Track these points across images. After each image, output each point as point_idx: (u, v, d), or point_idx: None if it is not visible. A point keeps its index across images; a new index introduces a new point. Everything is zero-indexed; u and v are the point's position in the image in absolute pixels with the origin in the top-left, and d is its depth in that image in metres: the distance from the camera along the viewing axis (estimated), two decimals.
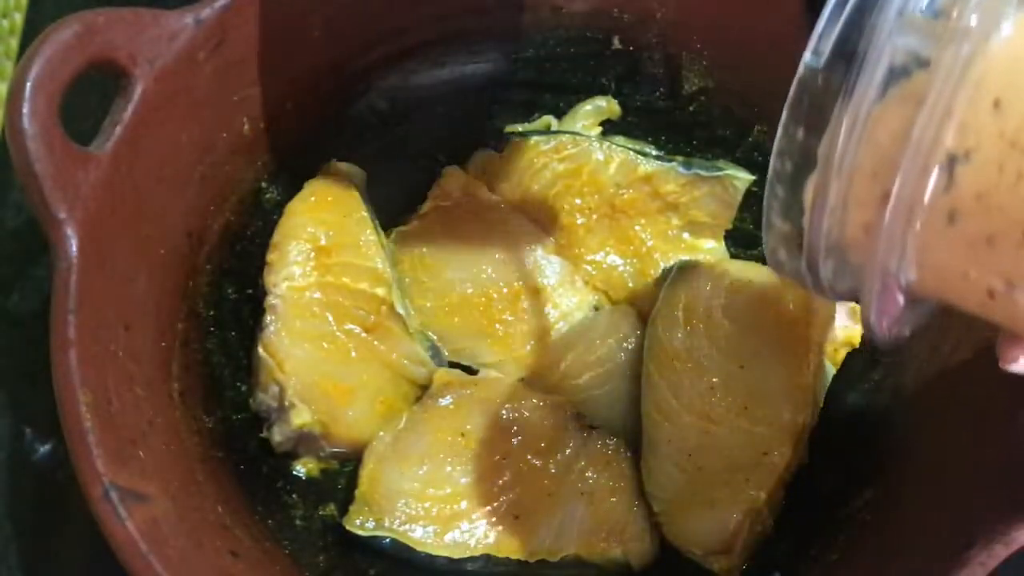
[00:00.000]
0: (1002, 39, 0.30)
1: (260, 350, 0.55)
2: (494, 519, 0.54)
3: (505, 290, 0.60)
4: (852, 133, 0.31)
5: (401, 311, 0.58)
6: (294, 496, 0.56)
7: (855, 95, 0.31)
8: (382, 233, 0.60)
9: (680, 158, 0.63)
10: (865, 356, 0.57)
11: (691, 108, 0.64)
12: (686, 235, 0.62)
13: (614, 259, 0.62)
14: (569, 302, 0.60)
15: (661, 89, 0.64)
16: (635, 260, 0.62)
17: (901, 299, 0.33)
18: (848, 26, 0.32)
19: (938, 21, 0.30)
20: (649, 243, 0.62)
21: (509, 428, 0.56)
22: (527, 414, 0.57)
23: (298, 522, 0.55)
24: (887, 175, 0.30)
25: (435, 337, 0.60)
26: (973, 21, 0.30)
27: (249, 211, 0.59)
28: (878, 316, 0.33)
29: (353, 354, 0.57)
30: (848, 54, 0.31)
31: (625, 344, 0.59)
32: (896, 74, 0.30)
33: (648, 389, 0.56)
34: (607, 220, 0.62)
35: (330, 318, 0.57)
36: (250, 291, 0.59)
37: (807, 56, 0.32)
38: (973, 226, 0.31)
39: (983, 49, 0.30)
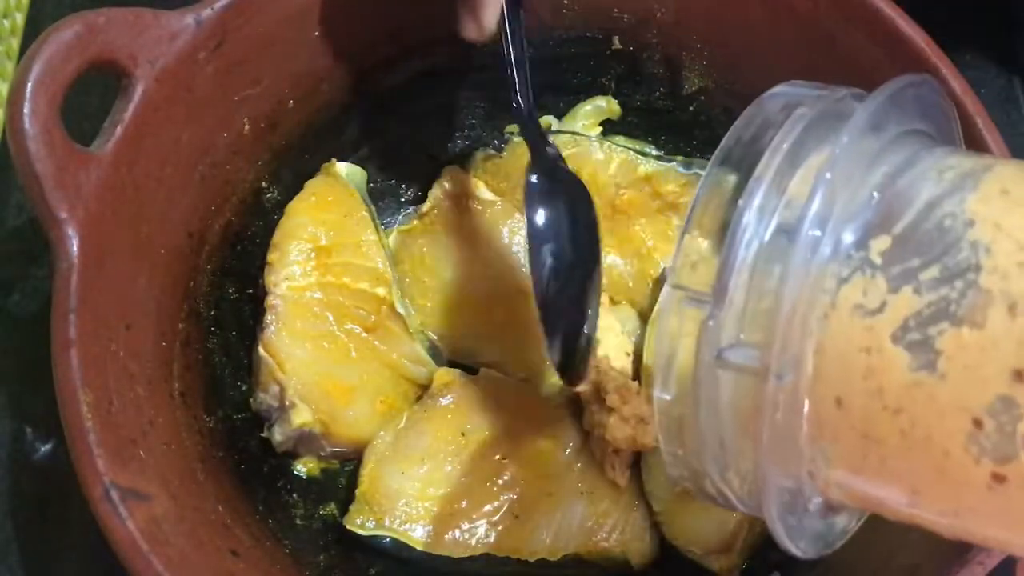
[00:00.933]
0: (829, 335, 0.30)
1: (261, 350, 0.55)
2: (494, 519, 0.54)
3: (505, 290, 0.60)
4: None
5: (401, 311, 0.58)
6: (294, 495, 0.56)
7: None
8: (382, 233, 0.61)
9: (680, 158, 0.63)
10: None
11: (691, 108, 0.64)
12: None
13: (614, 259, 0.62)
14: None
15: (661, 89, 0.64)
16: (635, 260, 0.62)
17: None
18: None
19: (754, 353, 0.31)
20: (649, 243, 0.62)
21: (509, 428, 0.56)
22: (527, 414, 0.57)
23: (298, 521, 0.55)
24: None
25: (435, 337, 0.60)
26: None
27: (250, 211, 0.59)
28: (786, 538, 0.33)
29: (353, 354, 0.57)
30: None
31: (626, 343, 0.59)
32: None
33: (648, 388, 0.56)
34: (607, 220, 0.62)
35: (330, 318, 0.57)
36: (251, 291, 0.59)
37: (657, 392, 0.33)
38: (858, 495, 0.32)
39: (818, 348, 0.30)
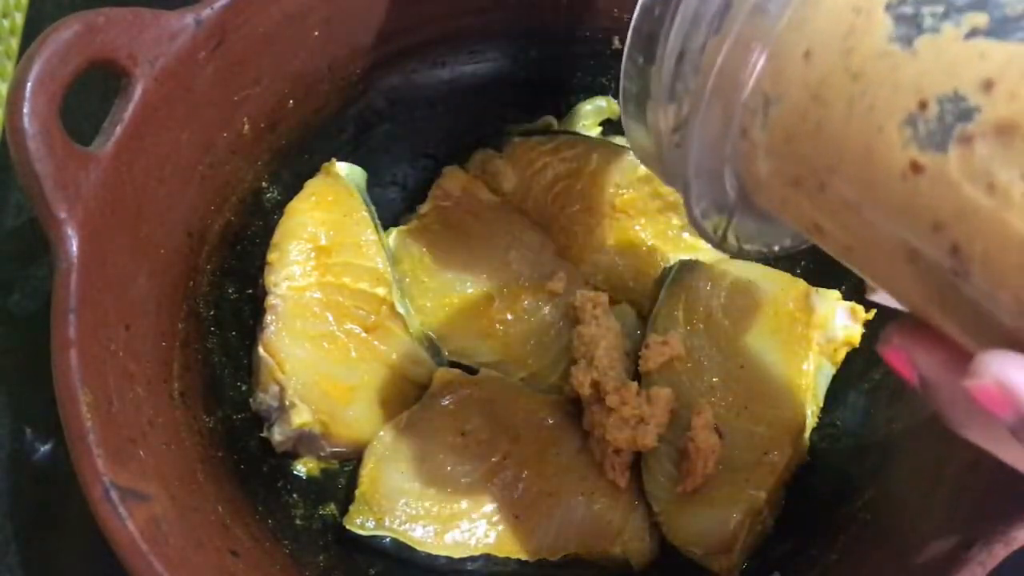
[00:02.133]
0: None
1: (260, 350, 0.55)
2: (494, 519, 0.54)
3: (505, 290, 0.60)
4: (688, 59, 0.34)
5: (401, 311, 0.58)
6: (294, 496, 0.56)
7: (698, 28, 0.34)
8: (382, 233, 0.61)
9: None
10: (866, 356, 0.57)
11: None
12: (686, 235, 0.62)
13: (614, 259, 0.62)
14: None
15: None
16: (635, 260, 0.62)
17: (731, 193, 0.36)
18: None
19: None
20: (649, 243, 0.62)
21: (509, 428, 0.56)
22: (527, 414, 0.57)
23: (298, 522, 0.55)
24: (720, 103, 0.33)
25: (435, 337, 0.60)
26: None
27: (249, 211, 0.59)
28: (688, 201, 0.35)
29: (353, 354, 0.57)
30: None
31: (625, 344, 0.59)
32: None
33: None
34: (607, 220, 0.62)
35: (330, 318, 0.57)
36: (250, 291, 0.59)
37: None
38: (784, 166, 0.33)
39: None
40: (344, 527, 0.54)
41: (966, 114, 0.28)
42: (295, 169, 0.61)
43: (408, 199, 0.66)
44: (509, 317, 0.60)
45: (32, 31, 0.69)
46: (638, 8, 0.36)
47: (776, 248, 0.40)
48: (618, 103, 0.38)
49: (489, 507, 0.54)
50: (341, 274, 0.58)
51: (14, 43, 0.69)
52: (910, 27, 0.29)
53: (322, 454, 0.57)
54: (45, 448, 0.58)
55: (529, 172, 0.63)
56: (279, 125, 0.58)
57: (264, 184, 0.60)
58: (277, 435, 0.55)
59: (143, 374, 0.48)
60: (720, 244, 0.39)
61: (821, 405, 0.57)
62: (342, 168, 0.61)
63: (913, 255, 0.30)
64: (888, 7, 0.30)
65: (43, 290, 0.61)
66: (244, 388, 0.57)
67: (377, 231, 0.60)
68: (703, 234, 0.38)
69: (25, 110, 0.43)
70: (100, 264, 0.45)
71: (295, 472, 0.57)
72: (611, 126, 0.65)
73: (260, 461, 0.56)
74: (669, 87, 0.35)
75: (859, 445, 0.55)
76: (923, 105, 0.29)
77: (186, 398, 0.52)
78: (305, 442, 0.56)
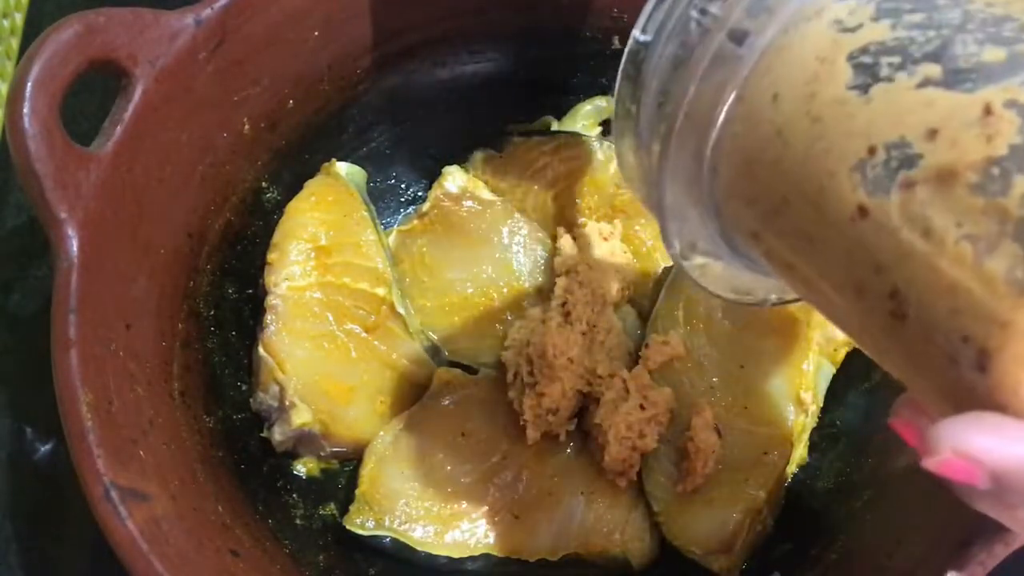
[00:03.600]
0: (794, 37, 0.33)
1: (261, 350, 0.55)
2: (494, 519, 0.54)
3: (505, 290, 0.60)
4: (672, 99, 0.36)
5: (401, 311, 0.58)
6: (294, 496, 0.56)
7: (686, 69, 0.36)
8: (382, 233, 0.61)
9: None
10: (865, 356, 0.57)
11: None
12: None
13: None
14: None
15: None
16: (635, 260, 0.62)
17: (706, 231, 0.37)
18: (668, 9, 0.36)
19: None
20: (649, 243, 0.62)
21: (509, 428, 0.56)
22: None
23: (298, 521, 0.55)
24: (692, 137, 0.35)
25: (435, 337, 0.60)
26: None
27: (249, 211, 0.59)
28: (665, 231, 0.37)
29: (353, 354, 0.57)
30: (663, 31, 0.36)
31: (625, 343, 0.59)
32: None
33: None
34: (607, 220, 0.62)
35: (330, 318, 0.57)
36: (250, 291, 0.59)
37: (636, 32, 0.37)
38: (743, 185, 0.34)
39: (783, 42, 0.33)
40: (344, 527, 0.54)
41: (910, 161, 0.29)
42: (295, 169, 0.61)
43: (408, 199, 0.66)
44: (509, 317, 0.60)
45: (32, 31, 0.69)
46: (625, 52, 0.38)
47: (748, 299, 0.42)
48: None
49: (489, 507, 0.54)
50: (341, 274, 0.58)
51: (14, 43, 0.69)
52: (867, 76, 0.31)
53: (322, 454, 0.57)
54: (45, 448, 0.58)
55: (529, 172, 0.63)
56: (279, 125, 0.58)
57: (264, 184, 0.60)
58: (277, 435, 0.55)
59: (143, 374, 0.48)
60: (696, 280, 0.40)
61: (821, 405, 0.57)
62: (342, 168, 0.61)
63: (860, 292, 0.31)
64: (850, 56, 0.31)
65: (43, 290, 0.62)
66: (244, 388, 0.57)
67: (377, 231, 0.60)
68: (681, 268, 0.39)
69: (25, 110, 0.43)
70: (100, 264, 0.45)
71: (295, 472, 0.57)
72: (611, 126, 0.65)
73: (260, 461, 0.56)
74: (650, 127, 0.38)
75: (859, 445, 0.55)
76: (872, 151, 0.30)
77: (186, 398, 0.52)
78: (305, 442, 0.56)
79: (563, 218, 0.62)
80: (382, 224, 0.62)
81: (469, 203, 0.62)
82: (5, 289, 0.62)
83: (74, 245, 0.44)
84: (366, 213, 0.60)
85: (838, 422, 0.57)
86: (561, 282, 0.57)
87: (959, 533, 0.42)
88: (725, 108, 0.34)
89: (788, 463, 0.54)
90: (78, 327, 0.43)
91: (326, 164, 0.61)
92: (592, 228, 0.61)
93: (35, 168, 0.43)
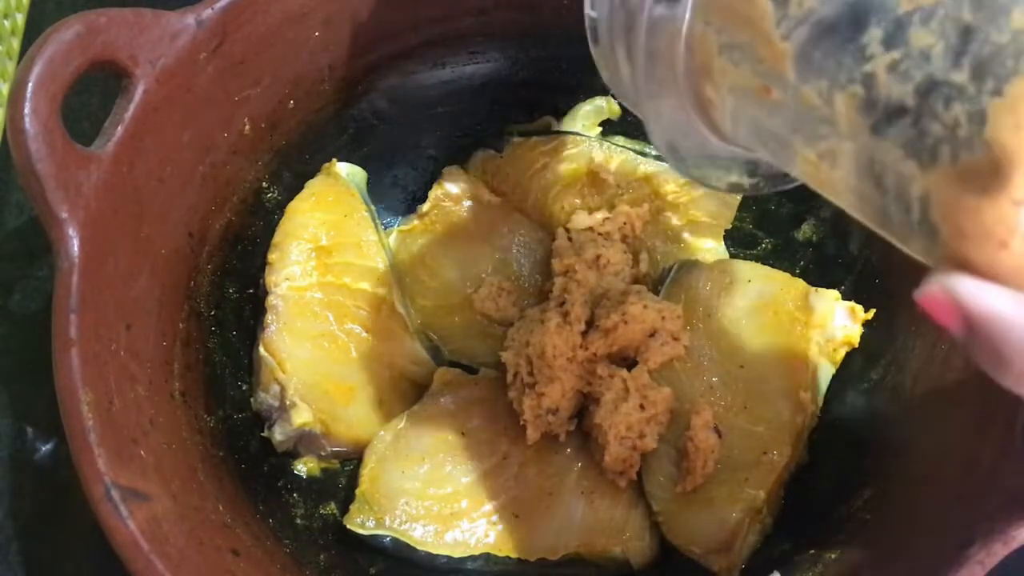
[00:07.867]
0: None
1: (261, 350, 0.55)
2: (494, 518, 0.54)
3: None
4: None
5: (401, 311, 0.58)
6: (295, 495, 0.56)
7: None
8: (383, 233, 0.61)
9: None
10: (865, 356, 0.57)
11: None
12: (686, 235, 0.62)
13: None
14: None
15: None
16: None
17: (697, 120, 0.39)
18: None
19: None
20: (649, 243, 0.62)
21: (509, 428, 0.56)
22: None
23: (299, 521, 0.55)
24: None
25: (435, 337, 0.60)
26: None
27: (250, 211, 0.59)
28: (650, 125, 0.40)
29: (354, 354, 0.57)
30: None
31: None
32: None
33: None
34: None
35: (331, 318, 0.57)
36: (251, 291, 0.59)
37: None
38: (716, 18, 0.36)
39: None
40: (344, 526, 0.54)
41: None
42: (296, 169, 0.61)
43: (408, 199, 0.66)
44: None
45: (33, 32, 0.69)
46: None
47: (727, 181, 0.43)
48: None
49: (489, 507, 0.54)
50: (342, 274, 0.58)
51: (15, 43, 0.69)
52: None
53: (323, 454, 0.57)
54: (46, 448, 0.58)
55: (529, 172, 0.63)
56: (280, 125, 0.59)
57: (265, 184, 0.60)
58: (278, 435, 0.55)
59: (144, 374, 0.48)
60: (677, 164, 0.42)
61: (821, 405, 0.57)
62: (342, 168, 0.61)
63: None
64: None
65: (44, 290, 0.62)
66: (245, 388, 0.57)
67: (377, 231, 0.60)
68: (662, 151, 0.41)
69: (26, 110, 0.43)
70: (101, 264, 0.46)
71: (296, 471, 0.57)
72: (611, 126, 0.65)
73: (261, 461, 0.56)
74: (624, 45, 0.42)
75: (859, 445, 0.55)
76: None
77: (187, 398, 0.52)
78: (306, 441, 0.56)
79: (562, 218, 0.62)
80: (382, 224, 0.62)
81: (469, 203, 0.62)
82: (6, 289, 0.62)
83: (75, 245, 0.44)
84: (366, 213, 0.60)
85: (838, 422, 0.57)
86: (560, 282, 0.57)
87: (959, 533, 0.42)
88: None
89: (788, 463, 0.54)
90: (79, 327, 0.43)
91: (327, 164, 0.61)
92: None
93: (36, 168, 0.43)
